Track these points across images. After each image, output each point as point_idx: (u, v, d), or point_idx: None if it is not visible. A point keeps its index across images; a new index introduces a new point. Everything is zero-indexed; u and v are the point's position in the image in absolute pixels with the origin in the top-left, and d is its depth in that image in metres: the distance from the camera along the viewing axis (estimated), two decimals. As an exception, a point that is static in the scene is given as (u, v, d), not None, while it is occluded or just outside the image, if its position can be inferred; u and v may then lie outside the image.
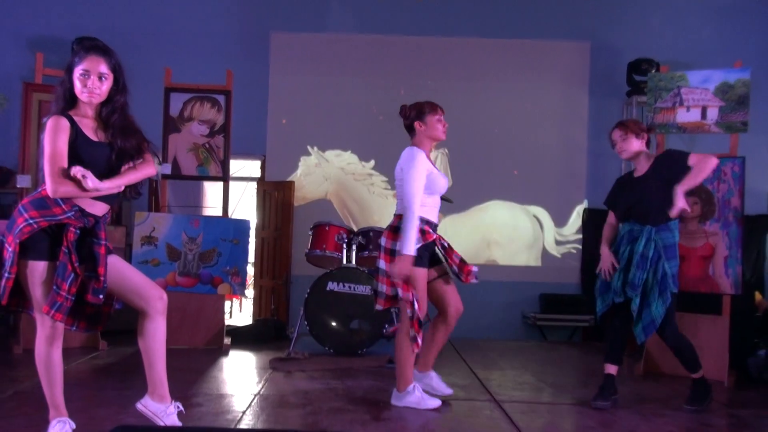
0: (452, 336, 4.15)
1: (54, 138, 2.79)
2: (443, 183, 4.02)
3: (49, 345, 2.89)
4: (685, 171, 3.97)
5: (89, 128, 2.92)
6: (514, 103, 7.53)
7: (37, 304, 2.83)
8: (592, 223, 7.39)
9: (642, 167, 4.19)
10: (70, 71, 2.90)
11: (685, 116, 5.23)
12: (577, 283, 7.42)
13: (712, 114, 5.18)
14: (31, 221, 2.76)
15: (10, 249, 2.75)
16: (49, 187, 2.76)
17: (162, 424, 3.06)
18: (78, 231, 2.85)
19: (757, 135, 5.32)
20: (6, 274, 2.76)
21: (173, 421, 3.10)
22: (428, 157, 4.02)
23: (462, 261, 4.09)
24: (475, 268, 4.07)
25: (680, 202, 3.88)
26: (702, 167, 3.95)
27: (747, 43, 7.07)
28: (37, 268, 2.81)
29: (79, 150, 2.85)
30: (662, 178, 4.04)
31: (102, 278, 2.86)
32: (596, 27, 7.53)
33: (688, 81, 5.29)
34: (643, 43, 7.27)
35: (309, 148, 7.43)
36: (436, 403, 3.91)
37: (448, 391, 4.16)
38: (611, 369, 4.17)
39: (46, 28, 7.25)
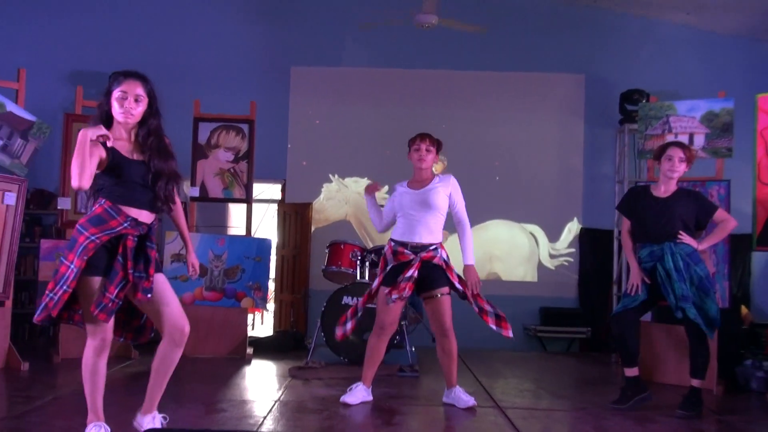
0: (459, 347, 4.08)
1: (81, 145, 2.76)
2: (404, 203, 4.05)
3: (96, 355, 2.90)
4: (708, 219, 4.12)
5: (124, 149, 2.93)
6: (515, 130, 7.55)
7: (89, 316, 2.84)
8: (587, 241, 7.38)
9: (667, 190, 4.15)
10: (108, 95, 2.93)
11: (674, 142, 5.23)
12: (574, 298, 7.39)
13: (699, 140, 5.19)
14: (93, 237, 2.78)
15: (72, 266, 2.76)
16: (73, 181, 2.76)
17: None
18: (136, 238, 2.89)
19: (740, 160, 5.30)
20: (64, 287, 2.76)
21: (148, 426, 3.08)
22: (417, 179, 4.10)
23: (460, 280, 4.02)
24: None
25: (699, 247, 4.06)
26: (725, 228, 4.14)
27: (730, 75, 7.07)
28: (95, 284, 2.82)
29: (117, 166, 2.87)
30: (688, 211, 4.08)
31: (152, 278, 2.89)
32: (590, 60, 7.55)
33: (676, 110, 5.31)
34: (634, 75, 7.27)
35: (330, 175, 7.46)
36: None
37: (470, 401, 4.04)
38: (632, 372, 4.11)
39: (85, 64, 7.35)
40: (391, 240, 4.08)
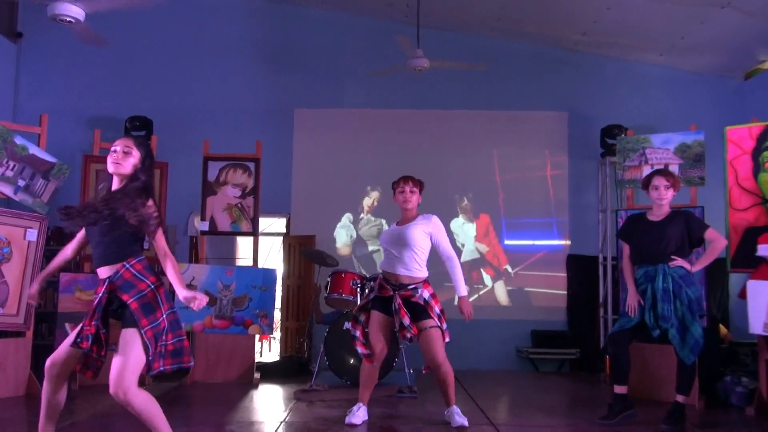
0: (454, 368, 4.06)
1: None
2: (382, 238, 4.15)
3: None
4: (700, 238, 4.12)
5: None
6: (504, 164, 7.62)
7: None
8: (574, 266, 7.40)
9: (660, 214, 4.18)
10: None
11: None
12: (563, 321, 7.38)
13: (674, 170, 5.25)
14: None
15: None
16: None
17: None
18: (105, 294, 2.86)
19: (712, 187, 5.36)
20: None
21: None
22: (403, 218, 4.13)
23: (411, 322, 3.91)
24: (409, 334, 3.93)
25: (692, 269, 4.06)
26: (715, 248, 4.12)
27: (701, 109, 7.17)
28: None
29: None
30: (680, 231, 4.09)
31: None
32: (572, 99, 7.66)
33: (652, 143, 5.38)
34: (613, 111, 7.37)
35: (343, 216, 7.55)
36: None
37: (462, 421, 3.98)
38: (621, 389, 4.11)
39: (102, 110, 7.47)
40: (381, 275, 4.15)
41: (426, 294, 3.96)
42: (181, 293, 2.79)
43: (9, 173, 4.95)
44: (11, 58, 7.49)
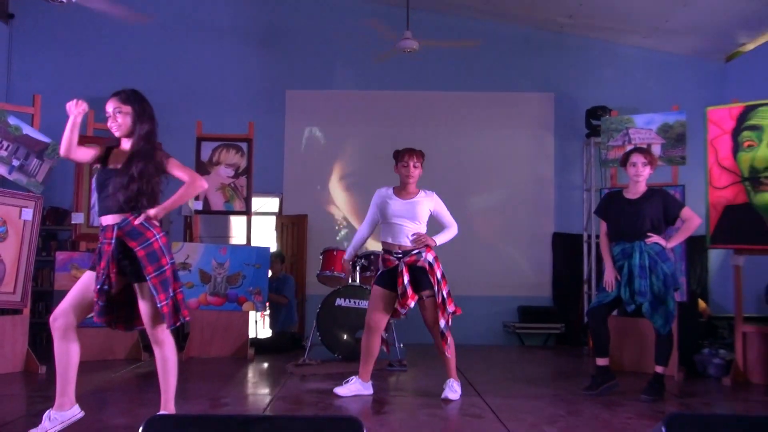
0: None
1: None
2: (390, 210, 4.04)
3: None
4: (675, 216, 4.14)
5: (119, 158, 2.99)
6: (492, 145, 7.61)
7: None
8: (559, 244, 7.44)
9: (637, 191, 4.20)
10: None
11: (634, 152, 5.29)
12: (549, 297, 7.43)
13: (656, 150, 5.26)
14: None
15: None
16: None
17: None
18: (112, 242, 2.93)
19: (693, 167, 5.37)
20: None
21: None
22: (404, 190, 4.10)
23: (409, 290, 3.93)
24: (410, 303, 3.93)
25: (667, 245, 4.10)
26: (689, 227, 4.16)
27: (683, 91, 7.16)
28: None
29: (96, 181, 3.03)
30: (656, 209, 4.11)
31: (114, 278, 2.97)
32: (559, 80, 7.65)
33: (635, 123, 5.38)
34: (597, 92, 7.36)
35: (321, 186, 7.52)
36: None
37: (451, 395, 4.01)
38: (603, 362, 4.18)
39: (95, 90, 7.31)
40: (383, 248, 4.12)
41: (430, 257, 4.00)
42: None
43: (3, 153, 4.88)
44: (3, 40, 7.36)
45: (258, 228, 7.00)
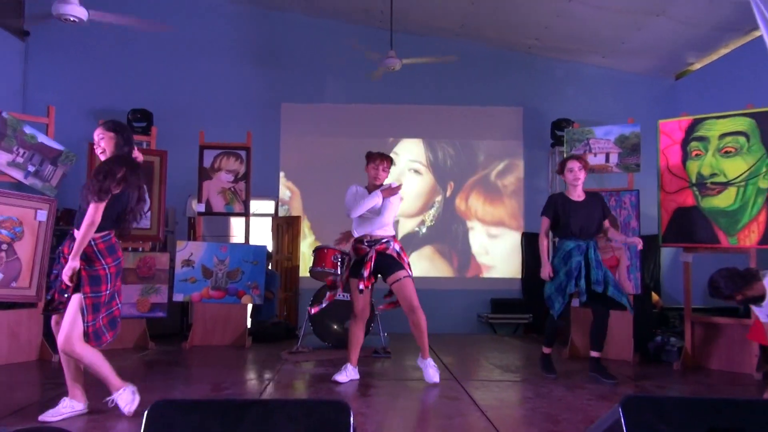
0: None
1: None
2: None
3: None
4: (606, 218, 4.28)
5: None
6: (466, 154, 7.63)
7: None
8: (528, 243, 7.46)
9: (579, 194, 4.26)
10: None
11: (594, 160, 5.33)
12: (519, 290, 7.45)
13: (614, 158, 5.29)
14: None
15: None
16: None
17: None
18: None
19: (647, 173, 5.40)
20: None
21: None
22: (372, 188, 4.10)
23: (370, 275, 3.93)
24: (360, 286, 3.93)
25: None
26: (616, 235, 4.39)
27: (638, 105, 7.23)
28: None
29: None
30: (598, 212, 4.23)
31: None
32: (527, 96, 7.68)
33: (595, 134, 5.41)
34: (562, 106, 7.42)
35: (313, 190, 7.47)
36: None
37: (434, 378, 4.00)
38: (548, 350, 4.35)
39: (104, 102, 7.29)
40: (354, 239, 4.13)
41: (397, 247, 4.03)
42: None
43: (19, 159, 4.79)
44: (20, 55, 7.24)
45: (256, 228, 6.94)
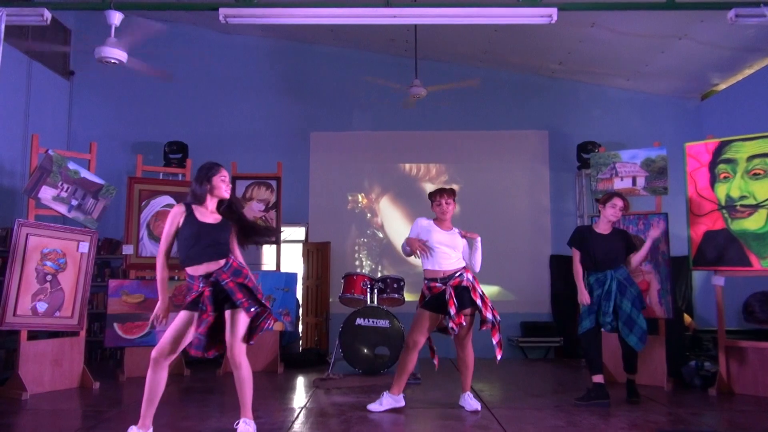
0: (453, 356, 4.08)
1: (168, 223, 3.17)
2: (435, 239, 3.97)
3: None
4: (631, 253, 4.39)
5: (205, 215, 3.19)
6: (493, 177, 7.61)
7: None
8: (556, 265, 7.36)
9: (606, 228, 4.36)
10: (208, 179, 3.22)
11: (620, 184, 5.27)
12: (549, 313, 7.34)
13: (641, 182, 5.23)
14: None
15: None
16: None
17: None
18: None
19: (675, 196, 5.31)
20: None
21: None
22: (442, 223, 4.05)
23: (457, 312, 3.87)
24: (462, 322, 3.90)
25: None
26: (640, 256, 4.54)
27: (663, 127, 7.15)
28: None
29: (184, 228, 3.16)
30: (621, 246, 4.32)
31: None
32: (552, 119, 7.66)
33: (621, 158, 5.36)
34: (587, 129, 7.37)
35: (342, 216, 7.54)
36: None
37: (475, 405, 4.01)
38: (598, 378, 4.20)
39: (144, 136, 7.52)
40: (425, 279, 4.03)
41: (470, 276, 4.00)
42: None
43: (63, 194, 4.97)
44: (65, 94, 7.55)
45: (287, 254, 7.02)
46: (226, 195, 3.22)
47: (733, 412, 4.02)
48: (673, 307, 4.99)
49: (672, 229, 5.12)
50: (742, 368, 4.62)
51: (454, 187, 7.50)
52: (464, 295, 3.91)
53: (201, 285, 3.05)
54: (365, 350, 5.47)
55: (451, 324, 3.86)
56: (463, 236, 4.05)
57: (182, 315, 3.08)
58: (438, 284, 3.93)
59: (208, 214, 3.20)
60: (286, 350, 6.25)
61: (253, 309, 3.09)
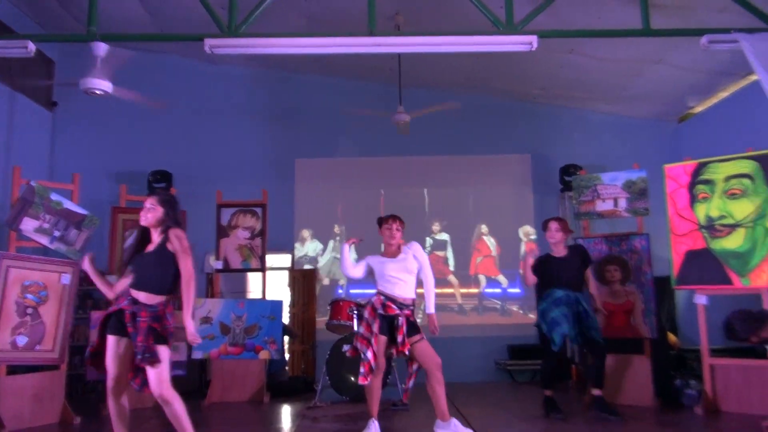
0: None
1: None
2: (387, 272, 4.00)
3: None
4: (587, 268, 4.70)
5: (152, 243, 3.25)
6: (478, 201, 7.70)
7: None
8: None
9: (561, 251, 4.65)
10: None
11: (602, 206, 5.37)
12: (535, 335, 7.32)
13: (622, 203, 5.33)
14: None
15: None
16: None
17: None
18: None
19: (656, 216, 5.40)
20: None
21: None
22: (390, 252, 4.08)
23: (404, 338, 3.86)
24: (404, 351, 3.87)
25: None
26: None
27: (643, 148, 7.28)
28: None
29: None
30: (578, 265, 4.63)
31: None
32: (535, 143, 7.78)
33: (602, 180, 5.46)
34: (569, 152, 7.48)
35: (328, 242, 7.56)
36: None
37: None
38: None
39: (128, 166, 7.50)
40: (381, 293, 4.02)
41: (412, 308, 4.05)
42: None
43: (46, 225, 4.95)
44: (48, 125, 7.54)
45: (272, 281, 7.00)
46: (142, 222, 3.32)
47: (719, 431, 4.05)
48: (657, 326, 5.06)
49: (654, 249, 5.20)
50: (727, 386, 4.67)
51: (438, 212, 7.67)
52: (412, 323, 3.95)
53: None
54: (352, 378, 5.44)
55: (394, 351, 3.89)
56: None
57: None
58: (394, 307, 3.93)
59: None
60: (273, 378, 6.19)
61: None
